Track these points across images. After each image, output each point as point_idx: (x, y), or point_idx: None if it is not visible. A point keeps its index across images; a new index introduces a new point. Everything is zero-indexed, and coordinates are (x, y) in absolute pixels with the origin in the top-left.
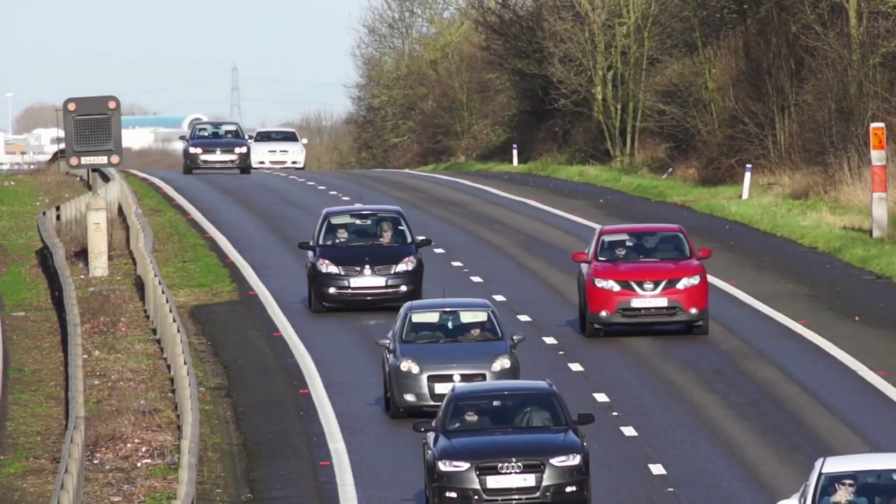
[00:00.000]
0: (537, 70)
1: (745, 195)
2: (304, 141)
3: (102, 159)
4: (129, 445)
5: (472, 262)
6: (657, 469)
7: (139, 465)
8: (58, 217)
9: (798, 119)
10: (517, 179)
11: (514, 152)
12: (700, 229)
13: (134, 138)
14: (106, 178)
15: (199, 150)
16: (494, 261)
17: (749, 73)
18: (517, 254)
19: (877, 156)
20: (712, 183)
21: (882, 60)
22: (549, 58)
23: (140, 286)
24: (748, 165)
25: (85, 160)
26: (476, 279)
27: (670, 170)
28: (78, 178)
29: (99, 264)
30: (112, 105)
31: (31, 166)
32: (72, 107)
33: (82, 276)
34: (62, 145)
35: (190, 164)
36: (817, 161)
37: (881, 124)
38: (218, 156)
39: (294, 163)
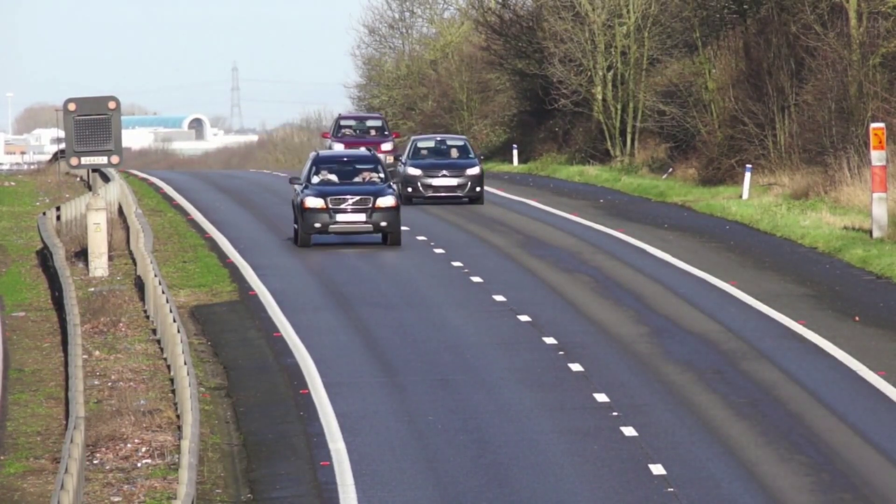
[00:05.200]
0: (537, 70)
1: (745, 195)
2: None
3: (102, 159)
4: (129, 445)
5: (472, 262)
6: (657, 469)
7: (139, 465)
8: (58, 217)
9: (798, 119)
10: (517, 179)
11: (514, 152)
12: (700, 229)
13: (134, 138)
14: (106, 179)
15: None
16: (494, 261)
17: (749, 73)
18: (517, 254)
19: (877, 156)
20: (712, 183)
21: (882, 61)
22: (549, 58)
23: (140, 286)
24: (748, 165)
25: (85, 160)
26: (476, 279)
27: (670, 170)
28: (78, 179)
29: (99, 264)
30: (112, 105)
31: (32, 166)
32: (72, 107)
33: (82, 277)
34: (62, 145)
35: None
36: (817, 161)
37: (881, 124)
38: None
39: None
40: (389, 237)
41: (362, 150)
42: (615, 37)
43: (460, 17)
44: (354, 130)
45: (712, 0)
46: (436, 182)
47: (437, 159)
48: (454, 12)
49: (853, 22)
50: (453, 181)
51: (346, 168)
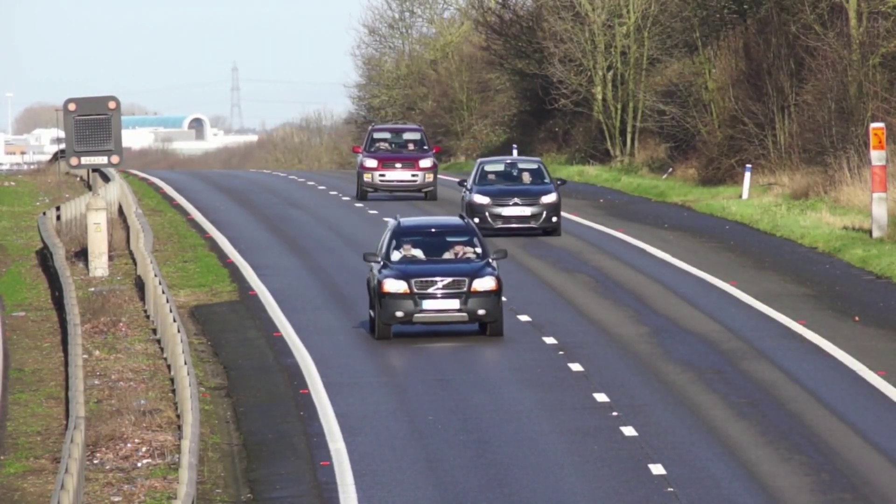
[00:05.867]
0: (537, 70)
1: (745, 195)
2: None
3: (102, 159)
4: (129, 445)
5: None
6: (657, 469)
7: (139, 465)
8: (58, 217)
9: (798, 119)
10: None
11: (515, 152)
12: (700, 229)
13: (134, 138)
14: (106, 178)
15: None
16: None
17: (749, 73)
18: (517, 254)
19: (877, 156)
20: (712, 183)
21: (882, 60)
22: (549, 58)
23: (140, 286)
24: (748, 165)
25: (85, 160)
26: None
27: (670, 170)
28: (78, 178)
29: (99, 264)
30: (112, 105)
31: (31, 166)
32: (72, 107)
33: (82, 276)
34: (62, 145)
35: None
36: (817, 161)
37: (881, 124)
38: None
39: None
40: (489, 327)
41: (454, 220)
42: (615, 37)
43: (460, 17)
44: (390, 144)
45: (712, 0)
46: (506, 212)
47: (508, 185)
48: (454, 12)
49: (853, 22)
50: (526, 210)
51: (433, 241)
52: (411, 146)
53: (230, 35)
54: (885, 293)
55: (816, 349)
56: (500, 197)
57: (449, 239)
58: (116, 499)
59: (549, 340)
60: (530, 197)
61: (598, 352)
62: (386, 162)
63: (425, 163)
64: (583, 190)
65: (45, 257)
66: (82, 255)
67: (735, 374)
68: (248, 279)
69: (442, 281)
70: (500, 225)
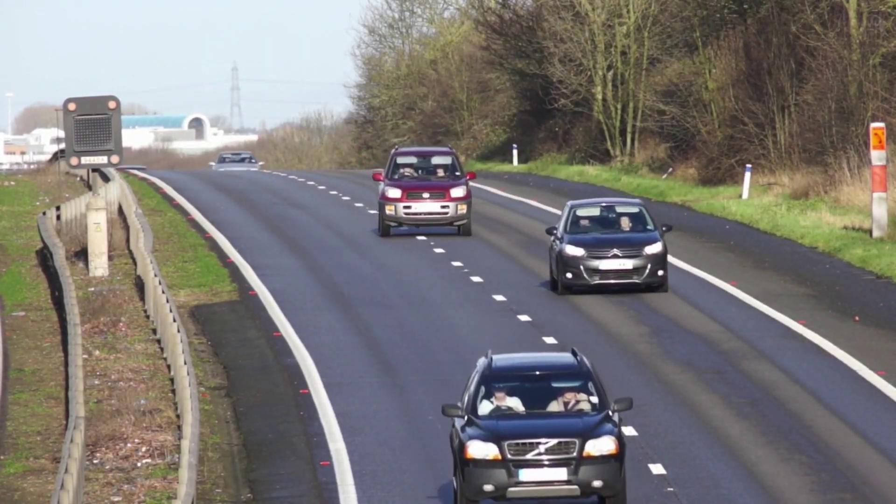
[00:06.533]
0: (537, 70)
1: (745, 195)
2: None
3: (102, 159)
4: (129, 445)
5: (471, 261)
6: (657, 469)
7: (139, 464)
8: (58, 217)
9: (798, 119)
10: (517, 179)
11: (514, 152)
12: (700, 229)
13: (134, 138)
14: (106, 178)
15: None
16: (494, 261)
17: (749, 73)
18: (517, 254)
19: (877, 156)
20: (712, 183)
21: (882, 60)
22: (549, 58)
23: (140, 286)
24: (748, 165)
25: (85, 160)
26: (476, 279)
27: (670, 170)
28: (78, 178)
29: (99, 264)
30: (112, 105)
31: (31, 166)
32: (72, 107)
33: (82, 276)
34: (62, 145)
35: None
36: (817, 161)
37: (881, 124)
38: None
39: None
40: (608, 502)
41: (564, 357)
42: (615, 36)
43: (460, 16)
44: (416, 170)
45: (712, 0)
46: (604, 265)
47: (605, 233)
48: (454, 12)
49: (853, 22)
50: (627, 263)
51: (535, 387)
52: (441, 172)
53: (230, 35)
54: (885, 293)
55: (816, 349)
56: (596, 247)
57: (556, 384)
58: (116, 499)
59: (550, 340)
60: (632, 247)
61: (598, 352)
62: (412, 191)
63: (457, 192)
64: (583, 190)
65: (45, 257)
66: (82, 254)
67: (735, 374)
68: (248, 279)
69: (546, 443)
70: (596, 281)
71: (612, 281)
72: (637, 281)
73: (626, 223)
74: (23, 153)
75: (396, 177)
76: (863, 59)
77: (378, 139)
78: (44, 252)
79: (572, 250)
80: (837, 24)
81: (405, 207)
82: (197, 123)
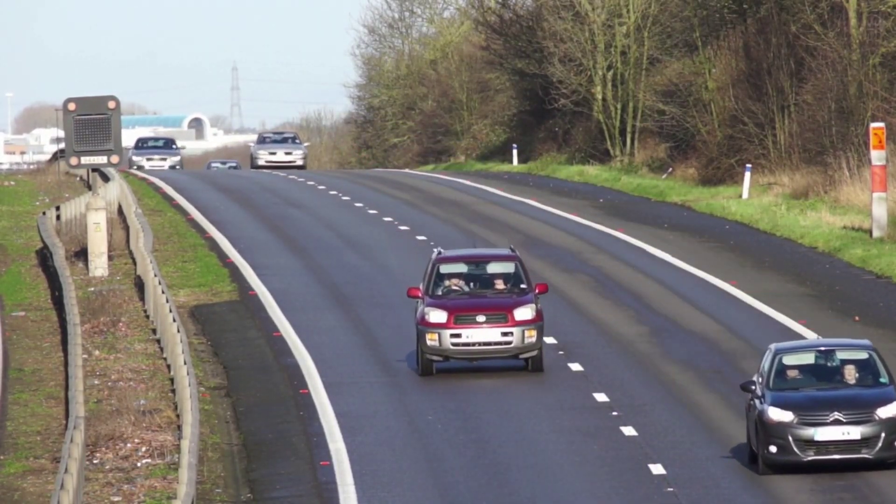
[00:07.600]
0: (537, 70)
1: (745, 195)
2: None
3: (102, 159)
4: (129, 445)
5: None
6: (657, 469)
7: (139, 464)
8: (58, 217)
9: (798, 119)
10: (517, 179)
11: (514, 152)
12: (700, 229)
13: (134, 138)
14: (106, 178)
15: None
16: None
17: (749, 73)
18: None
19: (877, 156)
20: (712, 183)
21: (882, 60)
22: (549, 58)
23: (140, 286)
24: (748, 165)
25: (85, 160)
26: None
27: (670, 170)
28: (78, 178)
29: (99, 264)
30: (112, 105)
31: (31, 166)
32: (72, 107)
33: (82, 276)
34: (62, 145)
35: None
36: (817, 161)
37: (881, 124)
38: None
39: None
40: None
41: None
42: (615, 36)
43: (460, 16)
44: (467, 282)
45: (712, 0)
46: (821, 434)
47: (822, 388)
48: (454, 12)
49: (853, 22)
50: (854, 431)
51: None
52: (500, 284)
53: (230, 35)
54: (885, 293)
55: None
56: (810, 410)
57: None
58: (116, 498)
59: (550, 340)
60: (859, 409)
61: (598, 352)
62: (461, 314)
63: (524, 313)
64: (583, 190)
65: (44, 257)
66: (82, 254)
67: (735, 374)
68: (248, 279)
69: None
70: (810, 458)
71: (834, 457)
72: (868, 457)
73: (850, 373)
74: (23, 153)
75: (440, 292)
76: (863, 59)
77: (378, 139)
78: (44, 252)
79: (778, 415)
80: (837, 23)
81: (453, 336)
82: (197, 123)
